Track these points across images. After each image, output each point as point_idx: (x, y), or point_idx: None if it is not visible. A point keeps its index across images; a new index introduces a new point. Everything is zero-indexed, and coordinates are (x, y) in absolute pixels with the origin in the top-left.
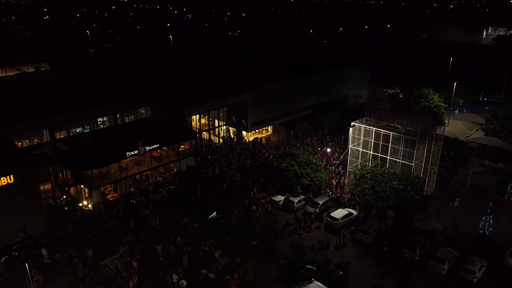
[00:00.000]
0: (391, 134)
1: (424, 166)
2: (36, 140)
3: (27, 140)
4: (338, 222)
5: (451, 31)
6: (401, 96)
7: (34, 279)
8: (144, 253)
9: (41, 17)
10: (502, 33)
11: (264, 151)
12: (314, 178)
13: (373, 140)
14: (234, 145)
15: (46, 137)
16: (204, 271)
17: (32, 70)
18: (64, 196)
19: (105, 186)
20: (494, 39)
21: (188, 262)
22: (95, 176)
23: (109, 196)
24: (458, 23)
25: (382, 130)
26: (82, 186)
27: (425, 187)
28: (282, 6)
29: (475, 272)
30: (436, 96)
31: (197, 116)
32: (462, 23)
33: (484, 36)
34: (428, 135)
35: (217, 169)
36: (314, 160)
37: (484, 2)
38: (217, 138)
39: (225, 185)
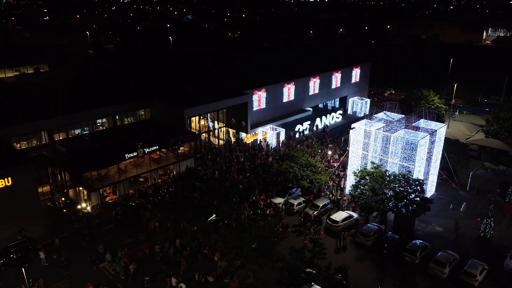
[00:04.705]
0: (391, 136)
1: (424, 168)
2: (34, 142)
3: (25, 142)
4: (338, 224)
5: (451, 32)
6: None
7: (35, 285)
8: (143, 256)
9: (41, 18)
10: (502, 34)
11: (263, 153)
12: (314, 180)
13: (373, 142)
14: (233, 147)
15: (44, 139)
16: (205, 276)
17: (31, 72)
18: (63, 198)
19: (104, 188)
20: (493, 40)
21: (186, 267)
22: (94, 178)
23: (108, 198)
24: (458, 24)
25: (383, 132)
26: (80, 188)
27: (426, 189)
28: (282, 7)
29: (476, 275)
30: (437, 97)
31: (197, 117)
32: (462, 24)
33: (484, 37)
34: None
35: (216, 171)
36: (314, 162)
37: (484, 3)
38: (216, 139)
39: (225, 188)
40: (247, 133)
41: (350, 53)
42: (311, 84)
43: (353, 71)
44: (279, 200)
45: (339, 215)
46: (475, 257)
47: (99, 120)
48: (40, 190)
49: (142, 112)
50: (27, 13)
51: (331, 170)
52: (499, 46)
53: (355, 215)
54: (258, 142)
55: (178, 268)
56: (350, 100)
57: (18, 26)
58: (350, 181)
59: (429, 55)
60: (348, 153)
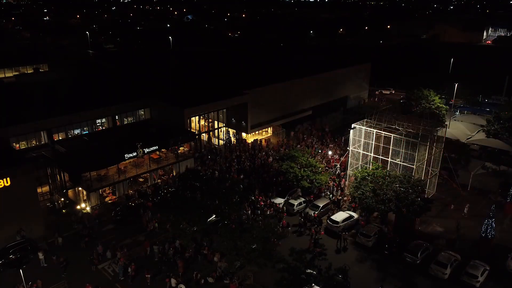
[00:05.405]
0: (392, 136)
1: (425, 168)
2: (34, 142)
3: (24, 142)
4: (338, 225)
5: (451, 31)
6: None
7: (33, 286)
8: (142, 256)
9: (41, 18)
10: (502, 34)
11: (263, 153)
12: (314, 180)
13: (373, 142)
14: (233, 147)
15: (44, 139)
16: (204, 277)
17: (30, 71)
18: (62, 199)
19: (103, 189)
20: (493, 40)
21: (183, 269)
22: (93, 178)
23: (107, 199)
24: (458, 24)
25: (383, 132)
26: (80, 188)
27: (426, 190)
28: (282, 7)
29: (478, 276)
30: (437, 97)
31: (197, 117)
32: (462, 24)
33: (484, 37)
34: (430, 137)
35: (216, 172)
36: (314, 163)
37: (484, 3)
38: (216, 139)
39: (225, 188)
40: (247, 133)
41: (350, 53)
42: (311, 83)
43: (352, 71)
44: (279, 201)
45: (339, 216)
46: (476, 258)
47: (99, 120)
48: (39, 190)
49: (142, 112)
50: (27, 13)
51: (332, 170)
52: (499, 46)
53: (355, 215)
54: (258, 142)
55: (177, 269)
56: None
57: (18, 26)
58: (350, 181)
59: (429, 55)
60: (348, 153)
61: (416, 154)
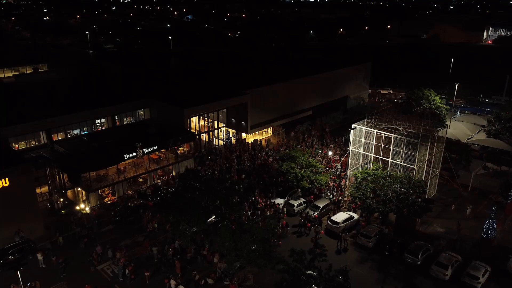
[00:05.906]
0: (392, 136)
1: (426, 168)
2: (33, 142)
3: (23, 143)
4: (339, 226)
5: (451, 31)
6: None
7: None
8: (140, 258)
9: (41, 18)
10: (502, 34)
11: (264, 153)
12: (314, 180)
13: (374, 142)
14: (233, 147)
15: (43, 139)
16: (204, 278)
17: (30, 71)
18: (61, 199)
19: (103, 189)
20: (494, 40)
21: (180, 270)
22: (92, 178)
23: (106, 199)
24: (458, 24)
25: (383, 132)
26: (79, 189)
27: (427, 190)
28: (282, 7)
29: (479, 277)
30: (438, 97)
31: (196, 117)
32: (462, 24)
33: (484, 37)
34: (430, 137)
35: (216, 172)
36: (315, 163)
37: (484, 3)
38: (216, 140)
39: (224, 189)
40: (247, 133)
41: (350, 53)
42: (311, 83)
43: (352, 71)
44: (279, 201)
45: (339, 216)
46: (477, 259)
47: (98, 120)
48: (38, 191)
49: (142, 112)
50: (27, 13)
51: (332, 170)
52: (500, 46)
53: (356, 216)
54: (258, 142)
55: (174, 270)
56: None
57: (18, 26)
58: (350, 182)
59: (429, 55)
60: (348, 154)
61: (417, 154)
